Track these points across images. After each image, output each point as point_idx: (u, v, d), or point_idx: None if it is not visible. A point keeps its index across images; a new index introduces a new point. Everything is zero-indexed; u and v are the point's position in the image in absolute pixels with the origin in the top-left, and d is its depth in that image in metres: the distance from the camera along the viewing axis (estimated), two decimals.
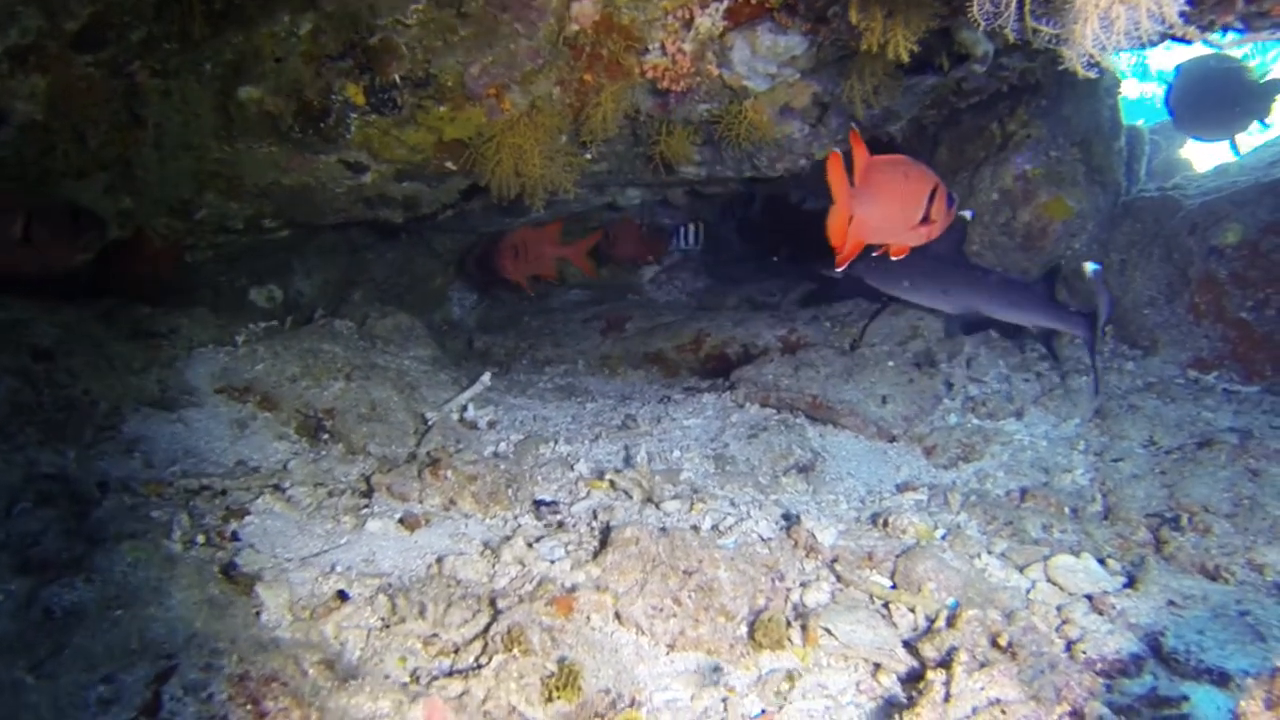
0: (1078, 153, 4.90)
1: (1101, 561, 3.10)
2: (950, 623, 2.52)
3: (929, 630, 2.61)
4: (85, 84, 3.19)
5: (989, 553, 3.20)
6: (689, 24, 3.50)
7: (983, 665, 2.24)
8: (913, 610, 2.76)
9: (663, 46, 3.55)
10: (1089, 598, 2.87)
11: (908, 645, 2.60)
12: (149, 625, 1.50)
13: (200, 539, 2.91)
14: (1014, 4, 1.84)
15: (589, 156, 4.32)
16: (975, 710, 2.15)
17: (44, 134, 3.31)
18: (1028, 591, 2.90)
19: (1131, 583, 2.99)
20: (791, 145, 4.88)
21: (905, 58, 3.05)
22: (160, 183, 4.02)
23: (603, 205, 6.05)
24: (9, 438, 2.93)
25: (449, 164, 4.15)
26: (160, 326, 4.46)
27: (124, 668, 1.31)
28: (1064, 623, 2.73)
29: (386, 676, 1.97)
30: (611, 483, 3.39)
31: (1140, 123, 6.61)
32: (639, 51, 3.57)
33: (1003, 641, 2.36)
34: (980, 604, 2.64)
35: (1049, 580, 2.94)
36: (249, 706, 1.24)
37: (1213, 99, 6.35)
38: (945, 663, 2.32)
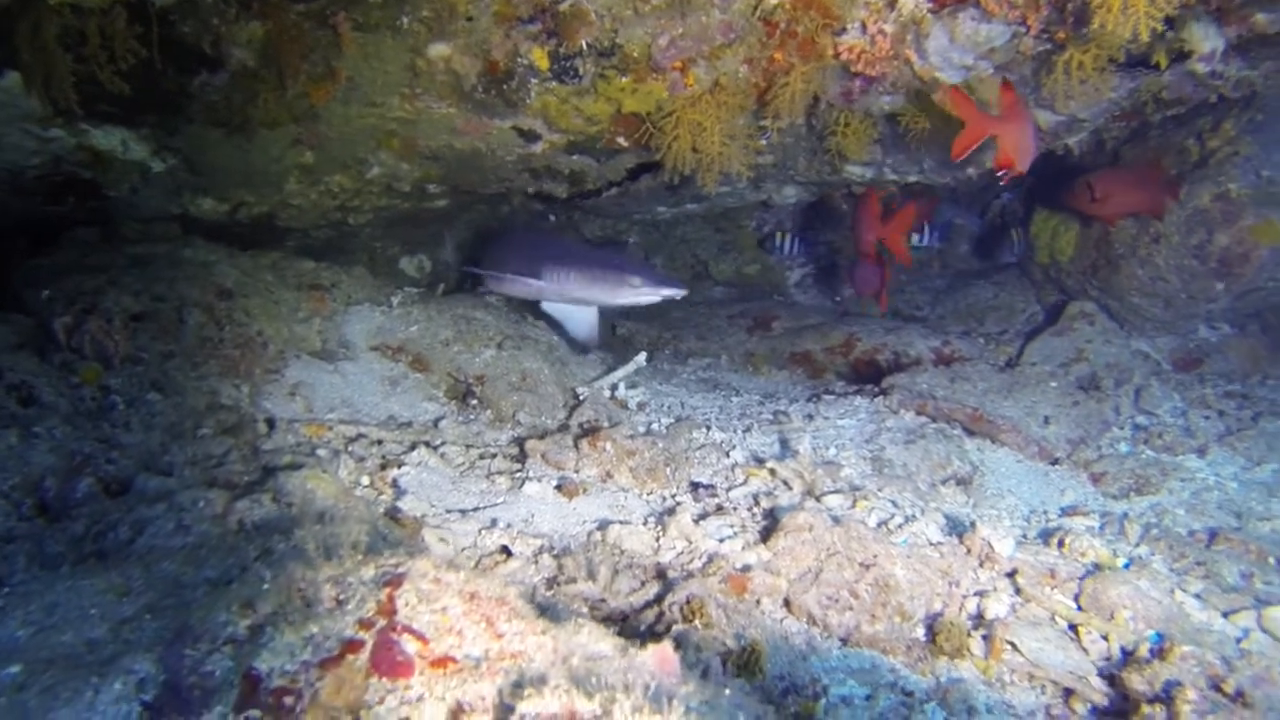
0: None
1: None
2: (1159, 656, 2.29)
3: (1129, 660, 2.38)
4: (294, 32, 3.25)
5: (1183, 591, 2.92)
6: (893, 4, 3.34)
7: (1213, 710, 2.00)
8: (1105, 637, 2.53)
9: (863, 26, 3.40)
10: None
11: (1104, 675, 2.37)
12: (355, 538, 1.46)
13: (365, 480, 2.92)
14: None
15: (764, 142, 4.20)
16: None
17: (252, 81, 3.39)
18: (1239, 640, 2.61)
19: None
20: None
21: (1145, 37, 2.81)
22: (342, 138, 4.10)
23: (757, 202, 5.93)
24: (196, 367, 3.01)
25: (621, 139, 4.10)
26: (324, 280, 4.56)
27: (349, 571, 1.26)
28: None
29: None
30: (772, 470, 3.25)
31: None
32: (835, 31, 3.43)
33: (1229, 688, 2.12)
34: (1189, 643, 2.39)
35: (1264, 631, 2.65)
36: (484, 625, 1.17)
37: None
38: (1162, 699, 2.09)
